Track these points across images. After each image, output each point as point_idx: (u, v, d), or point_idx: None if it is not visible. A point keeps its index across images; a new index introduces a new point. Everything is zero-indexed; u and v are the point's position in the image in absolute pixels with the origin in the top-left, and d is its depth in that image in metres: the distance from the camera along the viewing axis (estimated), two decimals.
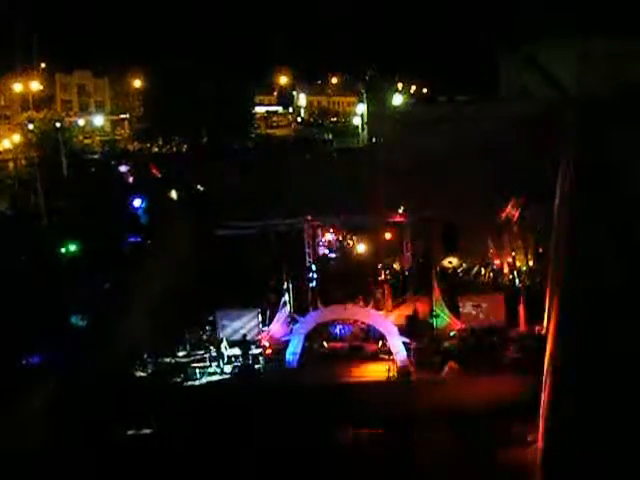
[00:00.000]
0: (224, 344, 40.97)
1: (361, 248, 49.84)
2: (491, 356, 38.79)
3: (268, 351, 41.62)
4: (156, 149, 64.72)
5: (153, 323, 40.70)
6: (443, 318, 42.41)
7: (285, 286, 44.04)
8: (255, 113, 71.32)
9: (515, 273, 46.73)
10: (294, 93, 74.48)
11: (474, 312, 42.04)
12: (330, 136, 67.04)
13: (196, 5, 62.34)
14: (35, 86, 64.89)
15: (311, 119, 74.31)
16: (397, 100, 65.74)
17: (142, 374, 39.39)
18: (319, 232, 49.02)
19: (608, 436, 27.36)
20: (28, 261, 43.71)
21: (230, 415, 35.05)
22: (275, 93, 74.51)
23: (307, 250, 46.56)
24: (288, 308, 43.82)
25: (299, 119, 74.40)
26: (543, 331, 39.80)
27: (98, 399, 34.93)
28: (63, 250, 44.81)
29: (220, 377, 39.33)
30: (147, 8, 61.21)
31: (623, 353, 30.19)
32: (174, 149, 64.51)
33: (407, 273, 46.14)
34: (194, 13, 62.24)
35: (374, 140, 59.39)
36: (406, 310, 43.68)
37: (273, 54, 64.97)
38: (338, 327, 43.11)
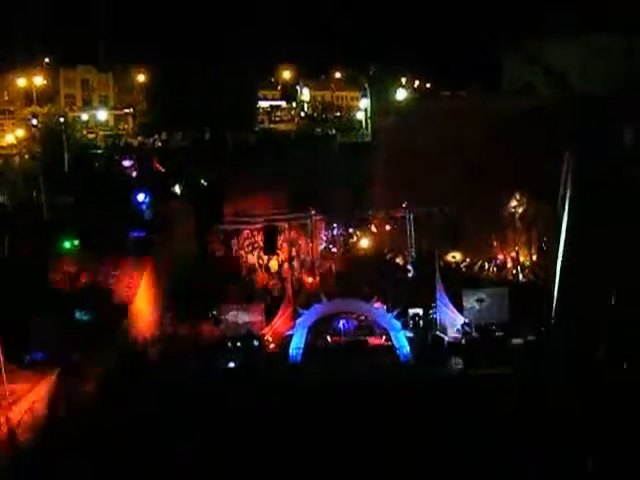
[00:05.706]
0: None
1: (364, 243, 49.87)
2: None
3: (272, 345, 41.76)
4: (160, 144, 64.64)
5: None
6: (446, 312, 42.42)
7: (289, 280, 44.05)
8: (259, 108, 71.29)
9: (519, 268, 46.77)
10: (298, 88, 74.37)
11: (477, 306, 42.02)
12: (334, 131, 66.96)
13: (200, 1, 62.34)
14: (39, 81, 64.89)
15: (315, 114, 74.08)
16: (400, 95, 65.63)
17: None
18: (322, 226, 49.09)
19: None
20: (31, 255, 43.61)
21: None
22: (279, 88, 74.42)
23: (310, 245, 46.60)
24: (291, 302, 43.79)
25: (302, 114, 74.25)
26: None
27: None
28: (67, 245, 44.69)
29: None
30: (152, 4, 61.21)
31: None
32: (177, 144, 64.41)
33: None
34: (198, 9, 62.19)
35: (377, 135, 59.26)
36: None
37: (277, 49, 64.92)
38: (341, 321, 43.18)
